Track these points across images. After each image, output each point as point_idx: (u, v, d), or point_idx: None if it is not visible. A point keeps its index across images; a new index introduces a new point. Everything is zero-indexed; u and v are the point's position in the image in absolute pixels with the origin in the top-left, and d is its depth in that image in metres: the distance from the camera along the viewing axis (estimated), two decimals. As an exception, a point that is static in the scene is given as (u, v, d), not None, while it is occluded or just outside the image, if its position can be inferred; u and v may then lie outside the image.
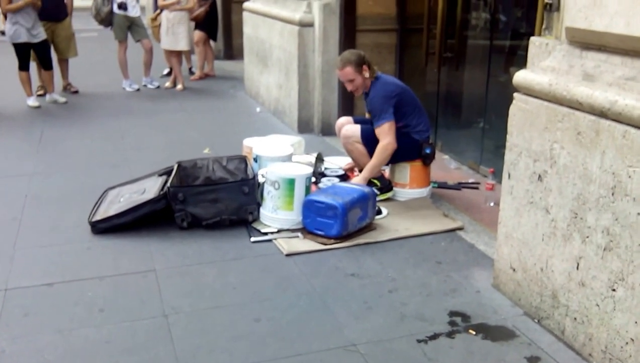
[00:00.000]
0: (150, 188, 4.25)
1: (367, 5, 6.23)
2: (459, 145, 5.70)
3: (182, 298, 3.26)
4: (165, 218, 4.07)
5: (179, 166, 4.42)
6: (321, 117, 6.35)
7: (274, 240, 3.90)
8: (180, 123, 7.00)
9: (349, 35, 6.13)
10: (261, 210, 4.14)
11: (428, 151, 4.48)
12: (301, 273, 3.54)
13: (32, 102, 7.62)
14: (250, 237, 3.96)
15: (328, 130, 6.19)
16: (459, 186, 4.90)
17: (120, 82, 8.77)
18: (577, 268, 2.73)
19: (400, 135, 4.36)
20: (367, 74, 4.39)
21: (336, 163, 5.05)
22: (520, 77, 3.03)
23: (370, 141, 4.40)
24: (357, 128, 4.48)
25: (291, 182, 4.00)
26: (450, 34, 5.81)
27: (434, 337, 2.92)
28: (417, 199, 4.51)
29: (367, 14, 6.24)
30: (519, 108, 3.03)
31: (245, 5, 8.15)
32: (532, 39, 3.14)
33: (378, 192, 4.41)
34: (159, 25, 8.89)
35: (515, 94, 3.07)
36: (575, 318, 2.78)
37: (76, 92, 8.46)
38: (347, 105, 6.16)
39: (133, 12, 8.43)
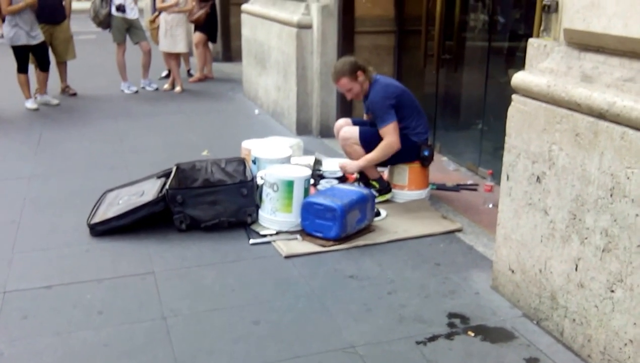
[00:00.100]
0: (149, 191, 4.24)
1: (365, 7, 6.23)
2: (458, 146, 5.71)
3: (181, 300, 3.26)
4: (163, 220, 4.07)
5: (177, 168, 4.42)
6: (320, 119, 6.35)
7: (272, 242, 3.90)
8: (179, 125, 7.00)
9: (347, 37, 6.13)
10: (260, 212, 4.14)
11: (427, 153, 4.48)
12: (300, 275, 3.54)
13: (31, 104, 7.62)
14: (249, 239, 3.96)
15: (326, 132, 6.19)
16: (458, 188, 4.91)
17: (118, 85, 8.78)
18: (576, 269, 2.74)
19: (399, 137, 4.36)
20: (362, 79, 4.38)
21: (335, 165, 5.04)
22: (518, 78, 3.03)
23: (368, 143, 4.39)
24: (356, 130, 4.48)
25: (290, 184, 4.00)
26: (449, 36, 5.82)
27: (433, 338, 2.92)
28: (415, 201, 4.51)
29: (365, 15, 6.25)
30: (518, 109, 3.03)
31: (244, 7, 8.16)
32: (531, 40, 3.15)
33: (377, 194, 4.41)
34: (158, 27, 8.89)
35: (513, 96, 3.07)
36: (574, 320, 2.79)
37: (74, 94, 8.46)
38: (345, 107, 6.16)
39: (131, 14, 8.44)
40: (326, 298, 3.29)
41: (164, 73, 9.61)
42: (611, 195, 2.51)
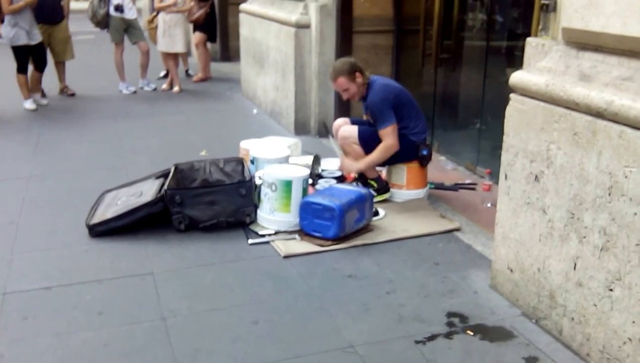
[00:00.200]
0: (148, 191, 4.24)
1: (363, 7, 6.23)
2: (456, 146, 5.71)
3: (180, 300, 3.26)
4: (162, 221, 4.07)
5: (176, 168, 4.42)
6: (318, 118, 6.35)
7: (271, 242, 3.90)
8: (177, 125, 7.00)
9: (345, 37, 6.13)
10: (258, 212, 4.14)
11: (425, 152, 4.48)
12: (299, 275, 3.54)
13: (29, 105, 7.61)
14: (248, 239, 3.96)
15: (325, 131, 6.19)
16: (456, 187, 4.91)
17: (117, 85, 8.77)
18: (574, 268, 2.74)
19: (398, 137, 4.36)
20: (360, 80, 4.39)
21: (333, 165, 5.05)
22: (516, 77, 3.03)
23: (367, 142, 4.40)
24: (355, 129, 4.49)
25: (288, 184, 4.00)
26: (447, 35, 5.82)
27: (432, 337, 2.93)
28: (414, 200, 4.52)
29: (364, 15, 6.24)
30: (516, 109, 3.04)
31: (242, 7, 8.16)
32: (529, 39, 3.15)
33: (375, 194, 4.41)
34: (156, 27, 8.89)
35: (511, 95, 3.07)
36: (572, 318, 2.79)
37: (73, 94, 8.45)
38: (343, 106, 6.16)
39: (130, 14, 8.43)
40: (325, 298, 3.29)
41: (162, 73, 9.61)
42: (609, 194, 2.52)
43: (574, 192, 2.70)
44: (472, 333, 2.96)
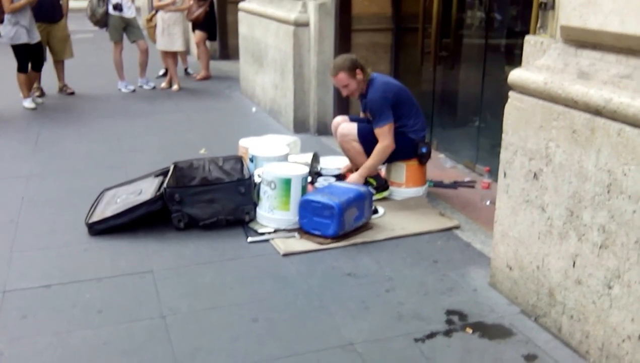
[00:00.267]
0: (147, 189, 4.25)
1: (362, 5, 6.23)
2: (455, 144, 5.71)
3: (180, 299, 3.27)
4: (162, 219, 4.07)
5: (175, 167, 4.42)
6: (317, 116, 6.35)
7: (270, 240, 3.90)
8: (177, 124, 7.00)
9: (344, 35, 6.13)
10: (258, 210, 4.14)
11: (424, 150, 4.48)
12: (298, 273, 3.55)
13: (29, 104, 7.60)
14: (247, 237, 3.97)
15: (324, 129, 6.20)
16: (455, 185, 4.92)
17: (116, 83, 8.76)
18: (574, 266, 2.74)
19: (397, 135, 4.37)
20: (361, 77, 4.39)
21: (332, 163, 5.05)
22: (515, 75, 3.04)
23: (366, 139, 4.40)
24: (354, 126, 4.49)
25: (287, 182, 4.00)
26: (446, 33, 5.82)
27: (431, 335, 2.93)
28: (413, 198, 4.52)
29: (363, 13, 6.24)
30: (514, 107, 3.04)
31: (241, 5, 8.15)
32: (527, 37, 3.15)
33: (374, 191, 4.42)
34: (155, 26, 8.88)
35: (510, 93, 3.07)
36: (571, 316, 2.79)
37: (72, 93, 8.44)
38: (342, 104, 6.16)
39: (128, 13, 8.42)
40: (324, 296, 3.30)
41: (161, 72, 9.60)
42: (608, 192, 2.52)
43: (573, 189, 2.70)
44: (471, 331, 2.96)
